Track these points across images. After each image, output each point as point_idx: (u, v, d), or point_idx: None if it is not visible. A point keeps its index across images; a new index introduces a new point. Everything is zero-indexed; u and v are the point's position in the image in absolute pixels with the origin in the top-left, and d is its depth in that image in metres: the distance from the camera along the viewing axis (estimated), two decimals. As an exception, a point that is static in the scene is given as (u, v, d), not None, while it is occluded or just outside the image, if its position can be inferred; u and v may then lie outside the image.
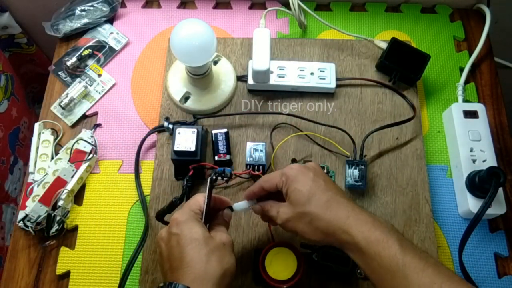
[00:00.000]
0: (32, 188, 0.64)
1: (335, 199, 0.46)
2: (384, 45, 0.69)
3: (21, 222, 0.61)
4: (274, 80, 0.67)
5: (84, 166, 0.65)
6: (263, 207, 0.51)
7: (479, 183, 0.59)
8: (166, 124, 0.65)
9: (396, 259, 0.41)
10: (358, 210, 0.46)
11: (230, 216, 0.52)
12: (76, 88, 0.70)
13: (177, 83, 0.68)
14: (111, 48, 0.75)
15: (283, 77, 0.68)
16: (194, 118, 0.66)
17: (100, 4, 0.76)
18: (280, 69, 0.68)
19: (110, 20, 0.77)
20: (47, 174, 0.64)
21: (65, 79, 0.73)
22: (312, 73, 0.68)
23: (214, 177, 0.50)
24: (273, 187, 0.50)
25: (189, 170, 0.60)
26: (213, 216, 0.51)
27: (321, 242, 0.46)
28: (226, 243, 0.46)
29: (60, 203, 0.62)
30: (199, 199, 0.49)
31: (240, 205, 0.53)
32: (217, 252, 0.45)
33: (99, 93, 0.72)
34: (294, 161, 0.64)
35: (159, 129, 0.66)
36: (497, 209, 0.59)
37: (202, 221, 0.48)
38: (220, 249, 0.45)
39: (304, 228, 0.46)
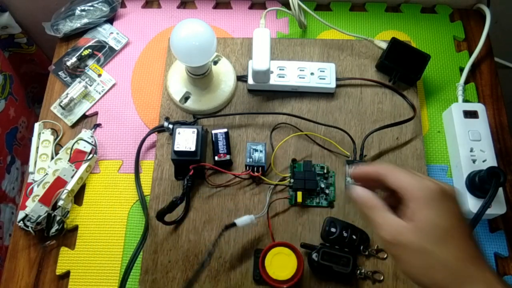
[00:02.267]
0: (32, 188, 0.64)
1: (473, 253, 0.36)
2: (384, 45, 0.69)
3: (21, 222, 0.61)
4: (274, 80, 0.67)
5: (84, 166, 0.65)
6: (367, 197, 0.40)
7: (479, 183, 0.58)
8: (166, 124, 0.65)
9: None
10: (492, 277, 0.35)
11: None
12: (76, 88, 0.70)
13: (177, 83, 0.68)
14: (111, 48, 0.75)
15: (283, 77, 0.68)
16: (194, 118, 0.66)
17: (100, 4, 0.76)
18: (280, 69, 0.68)
19: (110, 20, 0.77)
20: (47, 174, 0.64)
21: (65, 79, 0.73)
22: (312, 73, 0.68)
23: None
24: (393, 188, 0.39)
25: (189, 170, 0.60)
26: None
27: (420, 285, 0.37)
28: None
29: (60, 203, 0.62)
30: None
31: (242, 220, 0.56)
32: None
33: (99, 93, 0.72)
34: (294, 161, 0.64)
35: (159, 129, 0.66)
36: (497, 209, 0.59)
37: None
38: None
39: (414, 263, 0.36)
